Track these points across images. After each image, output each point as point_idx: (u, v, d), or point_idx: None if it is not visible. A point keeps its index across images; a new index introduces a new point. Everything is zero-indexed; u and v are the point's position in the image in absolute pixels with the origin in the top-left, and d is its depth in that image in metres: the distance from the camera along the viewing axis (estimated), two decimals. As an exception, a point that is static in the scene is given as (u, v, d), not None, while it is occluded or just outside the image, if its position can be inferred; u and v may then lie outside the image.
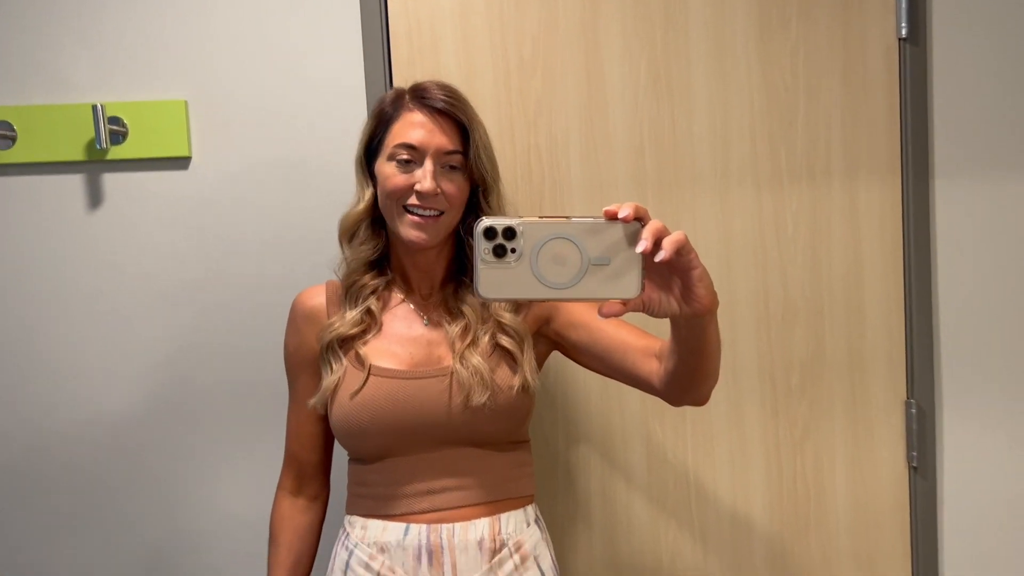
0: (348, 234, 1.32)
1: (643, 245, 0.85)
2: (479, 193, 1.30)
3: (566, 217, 0.89)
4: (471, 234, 0.97)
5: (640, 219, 0.87)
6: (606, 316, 0.89)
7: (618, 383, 1.29)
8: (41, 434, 1.64)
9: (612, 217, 0.86)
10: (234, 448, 1.65)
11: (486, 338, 1.27)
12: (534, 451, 1.42)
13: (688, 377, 1.11)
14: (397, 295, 1.33)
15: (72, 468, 1.65)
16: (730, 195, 1.65)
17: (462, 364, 1.24)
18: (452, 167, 1.26)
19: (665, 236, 0.86)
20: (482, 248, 0.88)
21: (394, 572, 1.24)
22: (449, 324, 1.30)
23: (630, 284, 0.89)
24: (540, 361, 1.34)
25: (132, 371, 1.64)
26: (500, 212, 1.31)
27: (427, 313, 1.32)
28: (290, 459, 1.40)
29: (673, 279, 0.92)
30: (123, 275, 1.62)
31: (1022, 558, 1.71)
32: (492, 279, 0.89)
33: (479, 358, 1.24)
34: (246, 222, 1.62)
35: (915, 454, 1.68)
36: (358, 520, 1.30)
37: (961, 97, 1.65)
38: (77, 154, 1.59)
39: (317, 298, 1.35)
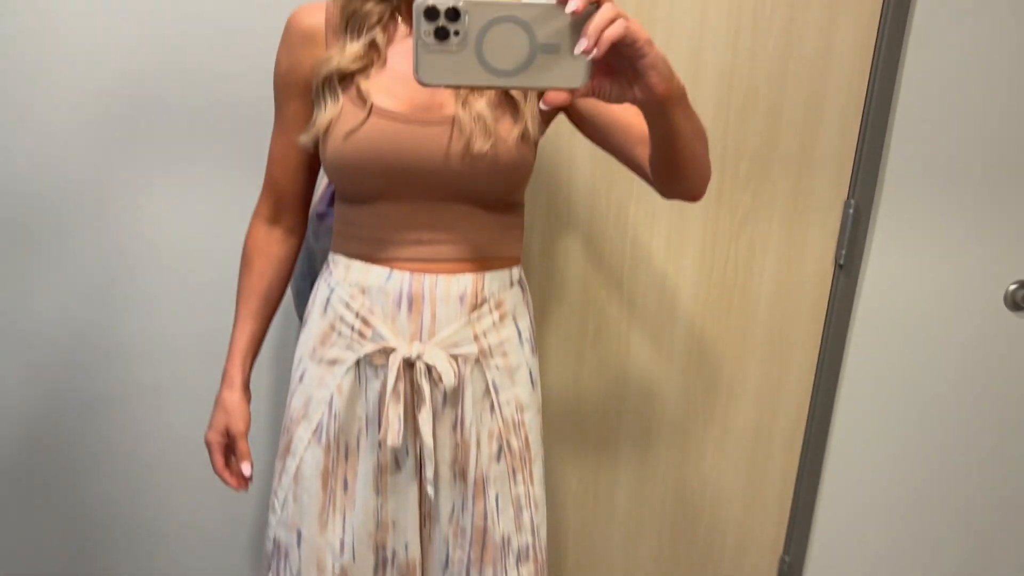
0: None
1: (583, 45, 0.82)
2: None
3: None
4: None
5: (598, 2, 0.82)
6: (549, 106, 0.87)
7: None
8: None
9: (563, 3, 0.81)
10: (206, 175, 1.64)
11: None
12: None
13: (665, 166, 1.09)
14: (403, 28, 1.22)
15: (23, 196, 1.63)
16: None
17: (465, 109, 1.16)
18: None
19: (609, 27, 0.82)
20: (422, 30, 0.81)
21: (373, 313, 1.23)
22: None
23: (577, 73, 0.84)
24: (546, 121, 1.27)
25: (98, 94, 1.57)
26: None
27: None
28: (270, 186, 1.33)
29: (626, 63, 0.88)
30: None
31: (922, 352, 1.84)
32: (432, 63, 0.83)
33: (484, 104, 1.16)
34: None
35: (844, 252, 1.74)
36: (342, 259, 1.27)
37: None
38: None
39: (315, 17, 1.22)
